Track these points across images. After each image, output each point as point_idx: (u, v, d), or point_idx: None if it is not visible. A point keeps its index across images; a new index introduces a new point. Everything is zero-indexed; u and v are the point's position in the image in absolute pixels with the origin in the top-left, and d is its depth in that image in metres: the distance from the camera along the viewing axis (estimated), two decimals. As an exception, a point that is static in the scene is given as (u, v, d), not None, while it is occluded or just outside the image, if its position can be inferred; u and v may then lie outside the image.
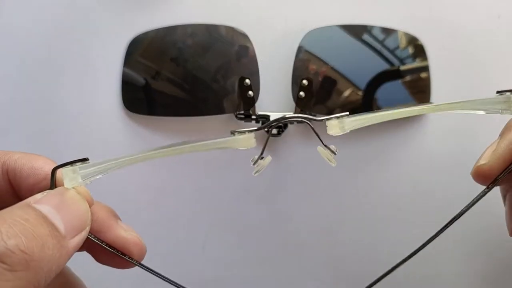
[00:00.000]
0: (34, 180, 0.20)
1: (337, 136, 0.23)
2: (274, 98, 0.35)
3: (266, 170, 0.35)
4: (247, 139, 0.22)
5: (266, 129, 0.23)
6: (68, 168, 0.20)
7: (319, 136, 0.23)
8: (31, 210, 0.17)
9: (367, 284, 0.24)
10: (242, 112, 0.34)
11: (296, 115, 0.23)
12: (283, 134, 0.34)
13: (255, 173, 0.24)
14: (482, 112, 0.23)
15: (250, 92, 0.33)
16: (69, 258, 0.17)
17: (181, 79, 0.34)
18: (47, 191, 0.19)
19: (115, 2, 0.35)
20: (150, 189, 0.35)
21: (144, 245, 0.21)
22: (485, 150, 0.23)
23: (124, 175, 0.35)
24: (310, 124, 0.23)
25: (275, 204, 0.35)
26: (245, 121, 0.34)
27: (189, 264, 0.35)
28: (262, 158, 0.23)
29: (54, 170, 0.20)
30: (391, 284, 0.36)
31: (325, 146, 0.23)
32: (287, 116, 0.23)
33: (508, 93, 0.23)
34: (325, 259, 0.35)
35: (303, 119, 0.23)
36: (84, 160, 0.21)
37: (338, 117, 0.22)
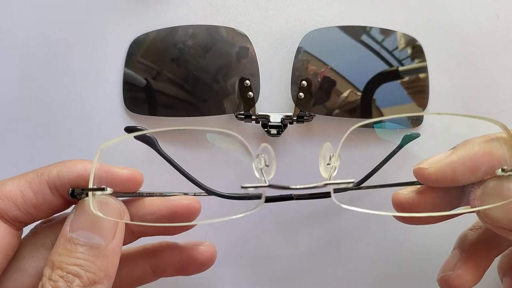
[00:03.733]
0: (85, 183, 0.23)
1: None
2: (274, 98, 0.35)
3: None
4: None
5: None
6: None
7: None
8: (71, 246, 0.21)
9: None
10: (242, 112, 0.34)
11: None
12: (283, 134, 0.34)
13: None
14: None
15: (250, 93, 0.33)
16: (119, 252, 0.22)
17: (181, 80, 0.34)
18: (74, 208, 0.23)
19: (116, 3, 0.36)
20: (150, 189, 0.35)
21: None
22: (433, 156, 0.24)
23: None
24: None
25: (275, 204, 0.35)
26: (245, 122, 0.35)
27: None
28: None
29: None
30: (391, 284, 0.36)
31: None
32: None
33: None
34: (326, 259, 0.36)
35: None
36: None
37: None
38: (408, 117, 0.35)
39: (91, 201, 0.22)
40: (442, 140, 0.34)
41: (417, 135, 0.29)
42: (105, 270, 0.20)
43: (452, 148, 0.24)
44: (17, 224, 0.22)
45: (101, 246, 0.21)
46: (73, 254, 0.20)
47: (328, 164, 0.24)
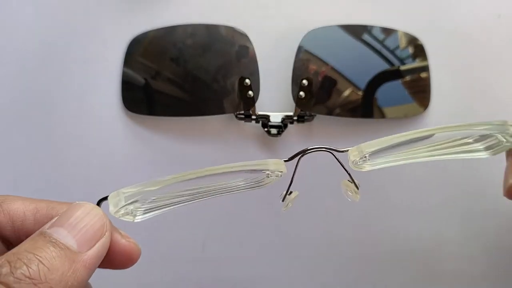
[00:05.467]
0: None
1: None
2: (274, 98, 0.35)
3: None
4: (278, 164, 0.23)
5: (294, 159, 0.23)
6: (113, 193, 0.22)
7: (347, 169, 0.23)
8: (40, 239, 0.18)
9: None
10: (242, 112, 0.34)
11: (318, 146, 0.23)
12: (283, 134, 0.34)
13: (284, 208, 0.24)
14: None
15: (250, 92, 0.33)
16: (90, 269, 0.19)
17: (181, 79, 0.34)
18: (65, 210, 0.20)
19: (115, 2, 0.35)
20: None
21: (140, 250, 0.22)
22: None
23: (124, 175, 0.35)
24: (334, 155, 0.23)
25: (275, 204, 0.35)
26: (245, 121, 0.34)
27: (189, 264, 0.35)
28: (290, 193, 0.24)
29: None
30: (392, 283, 0.36)
31: (352, 180, 0.23)
32: (309, 149, 0.23)
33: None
34: (326, 259, 0.36)
35: (326, 150, 0.23)
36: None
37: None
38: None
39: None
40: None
41: None
42: (63, 279, 0.17)
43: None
44: (6, 243, 0.21)
45: (71, 249, 0.18)
46: (37, 244, 0.18)
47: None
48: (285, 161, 0.23)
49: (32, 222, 0.21)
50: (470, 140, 0.24)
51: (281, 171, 0.23)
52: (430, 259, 0.36)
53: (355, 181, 0.23)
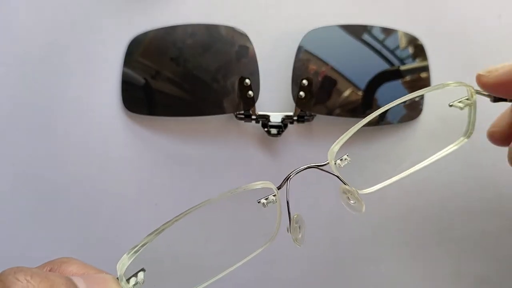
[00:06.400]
0: None
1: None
2: (274, 98, 0.35)
3: (265, 170, 0.35)
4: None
5: (284, 185, 0.24)
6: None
7: (337, 175, 0.24)
8: (65, 278, 0.19)
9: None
10: (242, 112, 0.34)
11: (303, 168, 0.24)
12: (283, 134, 0.34)
13: (298, 244, 0.25)
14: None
15: (250, 92, 0.33)
16: None
17: (181, 79, 0.34)
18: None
19: (115, 2, 0.35)
20: (150, 189, 0.35)
21: None
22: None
23: (124, 175, 0.35)
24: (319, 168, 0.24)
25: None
26: (245, 121, 0.34)
27: (189, 264, 0.35)
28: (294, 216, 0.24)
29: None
30: (391, 283, 0.36)
31: (345, 183, 0.24)
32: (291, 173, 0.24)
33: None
34: (326, 258, 0.35)
35: (309, 167, 0.24)
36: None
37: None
38: (406, 107, 0.35)
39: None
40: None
41: None
42: None
43: None
44: None
45: None
46: (57, 280, 0.18)
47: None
48: (278, 188, 0.24)
49: None
50: None
51: (274, 195, 0.24)
52: (429, 259, 0.36)
53: (352, 188, 0.24)
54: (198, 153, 0.35)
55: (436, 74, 0.35)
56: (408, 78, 0.34)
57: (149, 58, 0.34)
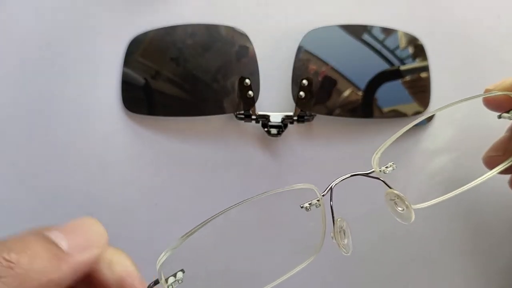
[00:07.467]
0: None
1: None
2: (274, 98, 0.35)
3: (265, 170, 0.35)
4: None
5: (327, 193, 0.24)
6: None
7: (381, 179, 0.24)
8: (33, 234, 0.19)
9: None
10: (242, 112, 0.34)
11: (348, 176, 0.24)
12: (283, 134, 0.34)
13: (345, 252, 0.24)
14: None
15: (250, 92, 0.33)
16: (74, 271, 0.19)
17: (181, 79, 0.34)
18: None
19: (115, 2, 0.35)
20: (150, 189, 0.35)
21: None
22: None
23: (124, 175, 0.35)
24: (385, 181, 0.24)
25: (275, 204, 0.35)
26: (245, 121, 0.34)
27: (189, 264, 0.35)
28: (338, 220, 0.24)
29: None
30: (391, 283, 0.36)
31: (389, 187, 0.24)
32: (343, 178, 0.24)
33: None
34: (326, 258, 0.35)
35: (354, 175, 0.24)
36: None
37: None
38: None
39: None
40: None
41: None
42: (43, 271, 0.17)
43: None
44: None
45: (60, 248, 0.18)
46: (29, 238, 0.18)
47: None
48: (323, 195, 0.24)
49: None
50: None
51: (318, 199, 0.24)
52: (429, 259, 0.36)
53: (399, 193, 0.23)
54: (198, 153, 0.35)
55: (436, 74, 0.35)
56: (408, 78, 0.34)
57: (149, 58, 0.34)
